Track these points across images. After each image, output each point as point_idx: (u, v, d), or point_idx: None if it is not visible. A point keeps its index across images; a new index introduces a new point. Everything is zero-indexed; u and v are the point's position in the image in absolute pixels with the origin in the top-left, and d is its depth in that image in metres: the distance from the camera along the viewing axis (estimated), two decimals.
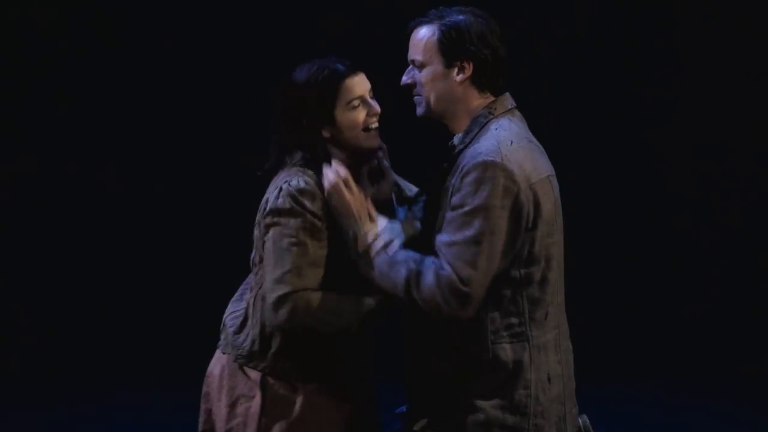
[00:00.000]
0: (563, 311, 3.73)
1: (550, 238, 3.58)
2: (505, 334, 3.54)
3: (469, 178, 3.46)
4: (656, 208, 7.74)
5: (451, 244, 3.45)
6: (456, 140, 3.64)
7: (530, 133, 3.69)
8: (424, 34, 3.63)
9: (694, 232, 7.75)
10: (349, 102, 3.71)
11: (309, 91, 3.70)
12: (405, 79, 3.69)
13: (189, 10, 7.66)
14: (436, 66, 3.62)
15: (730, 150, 7.64)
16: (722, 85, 7.57)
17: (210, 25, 7.67)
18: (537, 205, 3.51)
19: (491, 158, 3.46)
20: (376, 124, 3.75)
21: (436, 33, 3.60)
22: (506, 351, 3.54)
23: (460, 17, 3.62)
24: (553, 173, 3.66)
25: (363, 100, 3.73)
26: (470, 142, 3.58)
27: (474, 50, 3.59)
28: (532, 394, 3.56)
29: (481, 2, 3.78)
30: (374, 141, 3.75)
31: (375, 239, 3.61)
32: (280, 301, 3.57)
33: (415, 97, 3.70)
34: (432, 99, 3.64)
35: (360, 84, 3.74)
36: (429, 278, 3.45)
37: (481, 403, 3.54)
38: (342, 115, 3.72)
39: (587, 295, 7.02)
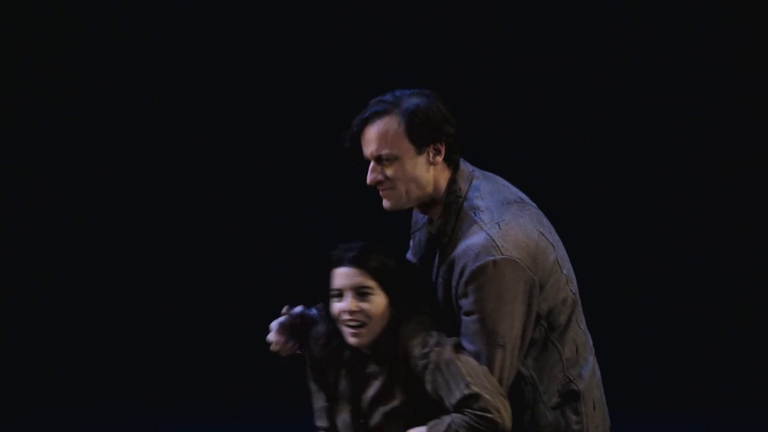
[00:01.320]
0: (588, 334, 3.75)
1: (559, 282, 3.59)
2: (555, 390, 3.59)
3: (474, 285, 3.45)
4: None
5: (477, 354, 3.47)
6: (433, 229, 3.59)
7: (498, 182, 3.67)
8: (387, 126, 3.51)
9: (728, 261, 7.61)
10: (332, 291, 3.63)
11: None
12: (374, 176, 3.55)
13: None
14: (409, 155, 3.51)
15: None
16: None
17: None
18: (543, 269, 3.52)
19: (491, 258, 3.44)
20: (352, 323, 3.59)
21: (402, 122, 3.50)
22: (561, 403, 3.59)
23: (416, 101, 3.52)
24: (539, 216, 3.65)
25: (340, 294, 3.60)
26: (453, 234, 3.54)
27: (444, 130, 3.53)
28: (584, 428, 3.62)
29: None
30: (350, 339, 3.61)
31: None
32: None
33: (385, 192, 3.57)
34: (411, 189, 3.55)
35: (341, 277, 3.61)
36: None
37: None
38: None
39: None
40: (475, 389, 3.42)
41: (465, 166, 3.62)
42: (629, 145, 7.48)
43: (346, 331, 3.55)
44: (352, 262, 3.55)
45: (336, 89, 7.35)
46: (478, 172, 3.64)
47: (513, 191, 3.67)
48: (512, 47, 7.38)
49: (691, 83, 7.43)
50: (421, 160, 3.53)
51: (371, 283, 3.54)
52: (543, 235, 3.59)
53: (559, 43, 7.37)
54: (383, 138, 3.51)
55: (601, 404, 3.71)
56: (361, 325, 3.53)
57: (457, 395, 3.44)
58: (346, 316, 3.54)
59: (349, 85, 7.08)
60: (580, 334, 3.66)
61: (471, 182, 3.59)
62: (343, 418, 3.65)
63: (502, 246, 3.45)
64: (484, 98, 7.35)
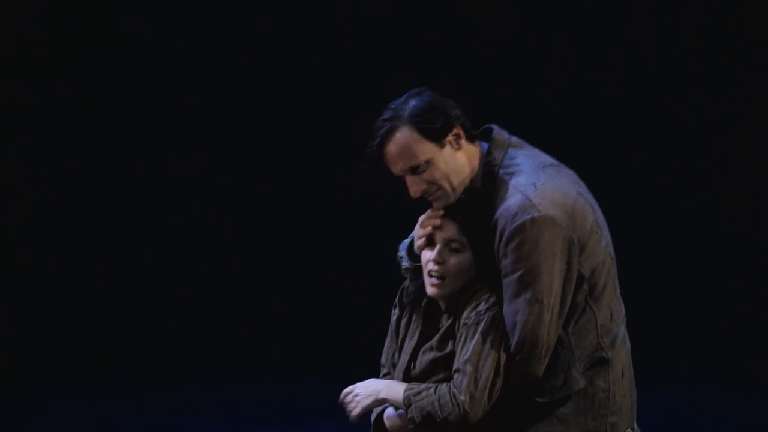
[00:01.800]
0: (622, 302, 3.77)
1: (599, 244, 3.62)
2: (586, 355, 3.61)
3: (513, 244, 3.49)
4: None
5: (515, 312, 3.51)
6: (474, 198, 3.63)
7: (534, 150, 3.71)
8: (402, 139, 3.56)
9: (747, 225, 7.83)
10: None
11: None
12: (417, 188, 3.59)
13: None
14: (436, 154, 3.57)
15: None
16: None
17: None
18: (582, 228, 3.56)
19: (528, 216, 3.49)
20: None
21: (413, 129, 3.55)
22: (590, 367, 3.62)
23: (414, 103, 3.58)
24: (576, 178, 3.69)
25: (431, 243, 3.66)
26: (492, 201, 3.58)
27: (453, 114, 3.59)
28: (610, 396, 3.64)
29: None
30: (429, 288, 3.67)
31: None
32: None
33: (434, 195, 3.62)
34: (453, 182, 3.60)
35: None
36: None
37: (561, 411, 3.60)
38: None
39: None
40: (468, 368, 3.50)
41: (501, 135, 3.68)
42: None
43: (428, 281, 3.62)
44: (450, 214, 3.62)
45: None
46: (515, 139, 3.69)
47: (549, 158, 3.71)
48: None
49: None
50: (447, 151, 3.59)
51: (463, 239, 3.60)
52: (581, 195, 3.63)
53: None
54: (405, 151, 3.57)
55: (629, 373, 3.74)
56: (443, 278, 3.59)
57: (457, 364, 3.54)
58: (431, 266, 3.60)
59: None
60: (615, 301, 3.69)
61: (506, 151, 3.64)
62: (402, 361, 3.72)
63: (539, 204, 3.49)
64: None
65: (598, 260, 3.60)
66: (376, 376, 3.82)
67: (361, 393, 3.66)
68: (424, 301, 3.73)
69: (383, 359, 3.84)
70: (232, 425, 6.67)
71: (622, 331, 3.72)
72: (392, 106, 3.59)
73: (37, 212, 8.03)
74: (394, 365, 3.79)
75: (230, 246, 8.10)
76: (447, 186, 3.60)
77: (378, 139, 3.57)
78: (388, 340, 3.83)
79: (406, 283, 3.79)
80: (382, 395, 3.63)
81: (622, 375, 3.69)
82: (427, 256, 3.63)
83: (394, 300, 3.82)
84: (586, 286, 3.58)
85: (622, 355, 3.71)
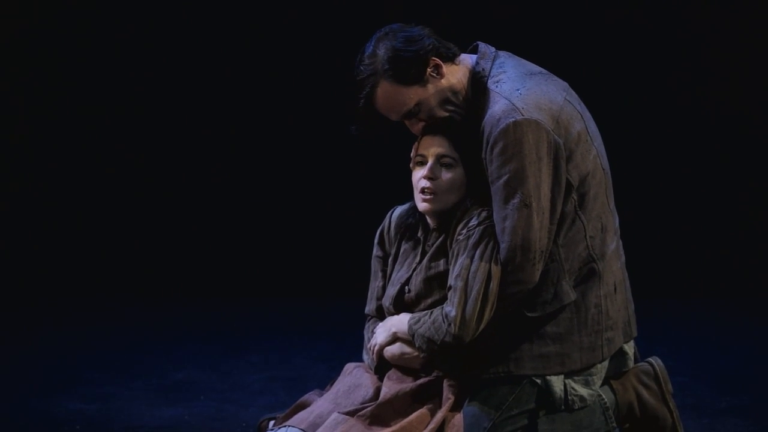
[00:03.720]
0: (616, 214, 3.73)
1: (589, 153, 3.58)
2: (576, 268, 3.57)
3: (498, 148, 3.46)
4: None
5: (504, 218, 3.46)
6: (466, 111, 3.63)
7: (522, 60, 3.69)
8: (384, 95, 3.57)
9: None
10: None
11: None
12: (418, 127, 3.64)
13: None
14: (422, 93, 3.57)
15: None
16: None
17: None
18: (568, 133, 3.53)
19: (512, 119, 3.45)
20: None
21: (391, 82, 3.55)
22: (580, 281, 3.58)
23: (383, 52, 3.55)
24: (566, 86, 3.67)
25: (423, 161, 3.66)
26: (480, 111, 3.56)
27: (422, 48, 3.56)
28: (603, 310, 3.59)
29: None
30: (420, 204, 3.67)
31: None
32: None
33: (441, 121, 3.65)
34: (449, 108, 3.62)
35: (428, 143, 3.66)
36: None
37: (554, 330, 3.56)
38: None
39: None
40: (459, 283, 3.47)
41: (486, 48, 3.67)
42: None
43: (419, 198, 3.61)
44: (442, 131, 3.61)
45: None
46: (503, 52, 3.69)
47: (539, 68, 3.69)
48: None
49: None
50: (432, 84, 3.59)
51: (455, 154, 3.59)
52: (569, 102, 3.60)
53: None
54: (393, 104, 3.59)
55: (623, 287, 3.70)
56: (434, 193, 3.57)
57: (449, 281, 3.52)
58: (424, 183, 3.59)
59: None
60: (607, 212, 3.64)
61: (494, 60, 3.63)
62: (391, 292, 3.70)
63: (522, 108, 3.47)
64: None
65: (587, 169, 3.56)
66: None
67: (378, 332, 3.68)
68: (416, 226, 3.74)
69: (367, 308, 3.86)
70: (227, 346, 6.70)
71: (614, 243, 3.67)
72: (365, 61, 3.58)
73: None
74: (378, 308, 3.79)
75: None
76: (444, 114, 3.61)
77: (362, 101, 3.58)
78: (370, 286, 3.84)
79: (386, 222, 3.82)
80: (393, 330, 3.63)
81: (615, 289, 3.64)
82: (419, 174, 3.62)
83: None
84: (575, 196, 3.54)
85: (614, 268, 3.65)
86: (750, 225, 7.75)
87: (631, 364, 3.77)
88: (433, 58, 3.56)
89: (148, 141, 8.02)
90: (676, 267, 7.72)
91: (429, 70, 3.56)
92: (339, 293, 7.52)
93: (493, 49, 3.67)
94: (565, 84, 3.68)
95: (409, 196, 3.79)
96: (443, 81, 3.57)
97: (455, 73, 3.61)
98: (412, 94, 3.56)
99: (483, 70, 3.59)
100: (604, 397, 3.69)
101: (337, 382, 3.77)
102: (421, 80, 3.55)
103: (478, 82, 3.59)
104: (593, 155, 3.58)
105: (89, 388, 5.69)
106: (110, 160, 8.02)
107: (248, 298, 7.78)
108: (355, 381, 3.71)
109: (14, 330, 7.04)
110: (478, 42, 3.71)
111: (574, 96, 3.67)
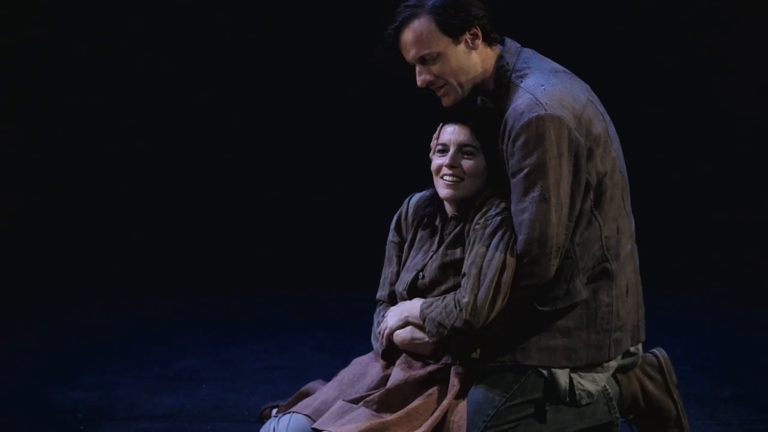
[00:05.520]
0: (632, 218, 3.76)
1: (608, 154, 3.60)
2: (590, 266, 3.59)
3: (520, 142, 3.47)
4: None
5: (522, 210, 3.47)
6: (490, 104, 3.65)
7: (547, 60, 3.71)
8: (419, 28, 3.58)
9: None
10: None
11: None
12: (424, 78, 3.64)
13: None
14: (449, 49, 3.59)
15: None
16: None
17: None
18: (589, 132, 3.54)
19: (534, 113, 3.46)
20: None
21: (432, 20, 3.57)
22: (593, 279, 3.59)
23: None
24: (589, 88, 3.69)
25: (444, 149, 3.68)
26: (503, 105, 3.58)
27: (474, 14, 3.60)
28: (613, 311, 3.61)
29: None
30: (443, 190, 3.68)
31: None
32: None
33: (442, 89, 3.65)
34: (461, 80, 3.63)
35: (448, 132, 3.68)
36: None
37: (563, 324, 3.57)
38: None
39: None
40: (473, 270, 3.49)
41: (512, 44, 3.69)
42: None
43: (441, 184, 3.63)
44: (462, 120, 3.63)
45: None
46: (528, 49, 3.71)
47: (563, 67, 3.71)
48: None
49: None
50: (461, 48, 3.60)
51: (475, 143, 3.61)
52: (592, 102, 3.62)
53: None
54: (419, 40, 3.58)
55: (635, 291, 3.71)
56: (459, 180, 3.60)
57: (464, 268, 3.54)
58: (445, 171, 3.62)
59: None
60: (623, 215, 3.66)
61: (519, 55, 3.65)
62: (406, 278, 3.72)
63: (546, 103, 3.48)
64: None
65: (605, 170, 3.58)
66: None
67: (389, 316, 3.69)
68: (435, 215, 3.75)
69: (379, 294, 3.86)
70: (228, 335, 6.69)
71: (629, 246, 3.68)
72: None
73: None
74: (390, 294, 3.81)
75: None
76: (454, 82, 3.62)
77: (396, 23, 3.61)
78: (384, 272, 3.85)
79: (403, 208, 3.84)
80: (405, 315, 3.65)
81: (627, 292, 3.65)
82: (439, 161, 3.65)
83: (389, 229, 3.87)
84: (592, 195, 3.55)
85: (627, 270, 3.66)
86: (754, 213, 7.75)
87: (637, 363, 3.78)
88: (477, 27, 3.60)
89: (154, 127, 8.01)
90: (679, 255, 7.73)
91: (468, 34, 3.59)
92: (341, 283, 7.52)
93: (518, 45, 3.69)
94: (588, 86, 3.71)
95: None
96: (473, 53, 3.60)
97: (486, 57, 3.63)
98: (441, 43, 3.57)
99: (507, 63, 3.61)
100: (608, 387, 3.69)
101: (342, 371, 3.78)
102: (455, 36, 3.58)
103: (502, 75, 3.61)
104: (612, 157, 3.61)
105: (91, 377, 5.69)
106: (114, 147, 8.01)
107: (250, 287, 7.78)
108: (360, 370, 3.72)
109: (16, 319, 7.04)
110: (505, 37, 3.73)
111: (595, 97, 3.69)
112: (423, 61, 3.61)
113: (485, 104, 3.68)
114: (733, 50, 7.65)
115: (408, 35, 3.59)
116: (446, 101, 3.66)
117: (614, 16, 7.63)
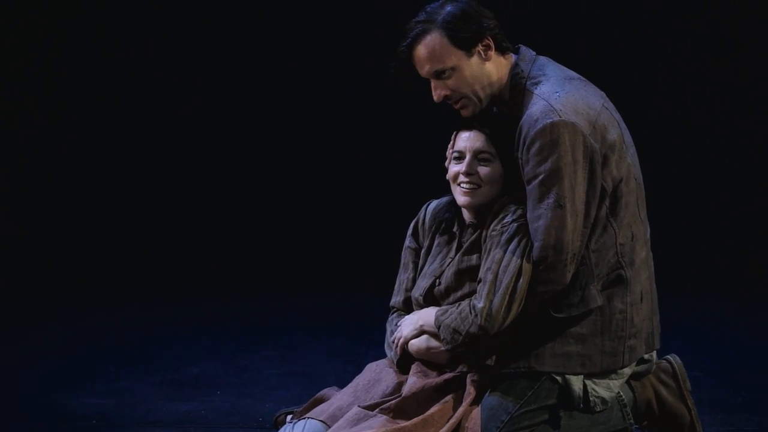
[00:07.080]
0: (647, 225, 3.76)
1: (623, 161, 3.61)
2: (605, 273, 3.59)
3: (534, 148, 3.48)
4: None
5: (538, 217, 3.49)
6: (508, 111, 3.67)
7: (562, 67, 3.72)
8: (431, 43, 3.61)
9: None
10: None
11: None
12: (440, 92, 3.66)
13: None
14: (463, 61, 3.60)
15: None
16: None
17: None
18: (603, 139, 3.55)
19: (549, 120, 3.47)
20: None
21: (443, 34, 3.59)
22: (607, 286, 3.60)
23: (449, 8, 3.61)
24: (604, 95, 3.70)
25: (460, 157, 3.71)
26: (519, 112, 3.60)
27: (485, 25, 3.62)
28: (628, 317, 3.61)
29: None
30: (461, 197, 3.71)
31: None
32: None
33: (460, 102, 3.67)
34: (477, 91, 3.64)
35: (464, 139, 3.71)
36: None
37: (577, 330, 3.57)
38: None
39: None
40: (489, 276, 3.51)
41: (527, 51, 3.71)
42: None
43: (458, 191, 3.66)
44: (478, 127, 3.65)
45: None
46: (543, 57, 3.73)
47: (577, 74, 3.73)
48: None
49: None
50: (475, 60, 3.62)
51: (492, 149, 3.63)
52: (607, 108, 3.63)
53: None
54: (432, 55, 3.60)
55: (649, 298, 3.71)
56: (476, 188, 3.62)
57: (480, 274, 3.56)
58: (462, 178, 3.64)
59: None
60: (638, 221, 3.66)
61: (534, 62, 3.67)
62: (423, 284, 3.74)
63: (560, 110, 3.49)
64: None
65: (621, 176, 3.58)
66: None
67: (404, 325, 3.70)
68: (452, 221, 3.77)
69: (393, 300, 3.88)
70: (243, 340, 6.70)
71: (643, 253, 3.69)
72: (428, 9, 3.65)
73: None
74: (405, 300, 3.82)
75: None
76: (471, 94, 3.64)
77: (408, 40, 3.63)
78: (399, 278, 3.86)
79: (421, 215, 3.85)
80: (420, 323, 3.66)
81: (641, 299, 3.66)
82: (455, 168, 3.67)
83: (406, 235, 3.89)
84: (607, 201, 3.56)
85: (642, 278, 3.67)
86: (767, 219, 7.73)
87: (651, 370, 3.78)
88: (489, 37, 3.62)
89: (166, 131, 8.04)
90: (692, 261, 7.70)
91: (480, 45, 3.61)
92: (355, 288, 7.52)
93: (533, 52, 3.72)
94: (603, 93, 3.72)
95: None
96: (487, 64, 3.63)
97: (500, 66, 3.65)
98: (455, 57, 3.60)
99: (522, 71, 3.63)
100: (622, 394, 3.69)
101: (357, 377, 3.78)
102: (468, 49, 3.60)
103: (516, 83, 3.63)
104: (627, 164, 3.62)
105: (105, 383, 5.70)
106: (127, 153, 8.03)
107: (264, 292, 7.78)
108: (374, 376, 3.72)
109: (31, 325, 7.05)
110: (520, 45, 3.75)
111: (611, 104, 3.70)
112: (438, 76, 3.64)
113: (501, 111, 3.69)
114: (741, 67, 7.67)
115: (421, 51, 3.62)
116: (465, 113, 3.68)
117: (627, 23, 7.64)
